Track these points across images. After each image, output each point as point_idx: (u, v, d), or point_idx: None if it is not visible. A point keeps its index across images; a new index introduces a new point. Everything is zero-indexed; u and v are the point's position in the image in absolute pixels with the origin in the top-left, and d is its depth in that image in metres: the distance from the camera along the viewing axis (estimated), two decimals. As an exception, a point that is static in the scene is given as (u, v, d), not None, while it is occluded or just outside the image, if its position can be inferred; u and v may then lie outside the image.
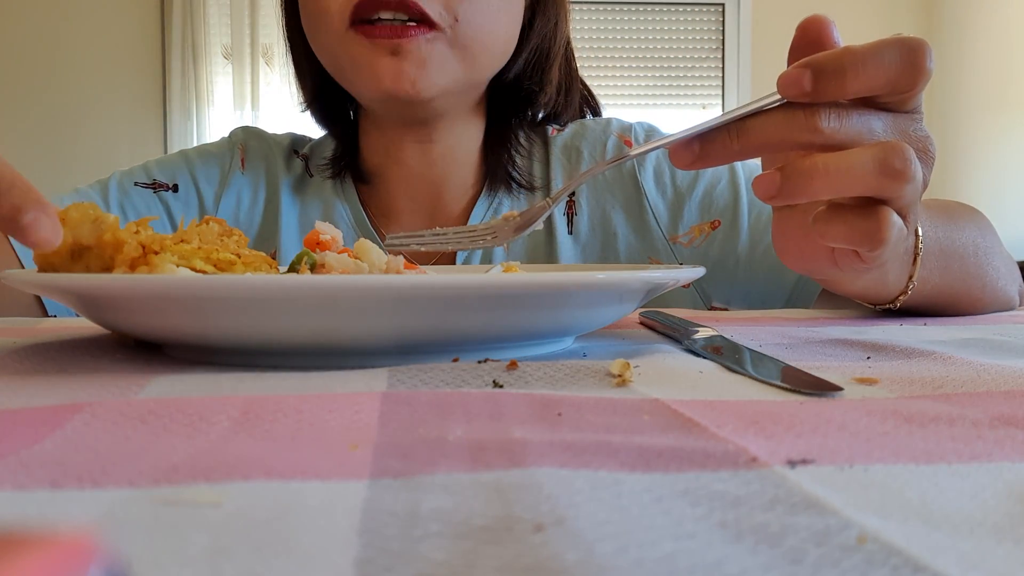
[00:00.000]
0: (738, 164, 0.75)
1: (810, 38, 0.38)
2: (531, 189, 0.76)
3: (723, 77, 3.61)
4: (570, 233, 0.75)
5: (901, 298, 0.51)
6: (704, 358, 0.36)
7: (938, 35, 3.58)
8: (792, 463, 0.19)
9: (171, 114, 3.36)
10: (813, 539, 0.15)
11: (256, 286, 0.31)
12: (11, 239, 0.65)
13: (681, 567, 0.13)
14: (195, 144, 3.02)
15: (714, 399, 0.27)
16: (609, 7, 3.56)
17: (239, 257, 0.38)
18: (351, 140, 0.79)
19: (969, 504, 0.17)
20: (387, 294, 0.31)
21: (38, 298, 0.68)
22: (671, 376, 0.31)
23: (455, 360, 0.34)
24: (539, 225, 0.44)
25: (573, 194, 0.76)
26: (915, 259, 0.49)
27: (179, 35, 3.34)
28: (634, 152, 0.40)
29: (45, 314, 0.68)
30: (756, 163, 0.57)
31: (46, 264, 0.37)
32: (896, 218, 0.37)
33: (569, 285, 0.34)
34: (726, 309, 0.74)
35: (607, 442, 0.21)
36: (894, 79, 0.36)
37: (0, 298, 0.64)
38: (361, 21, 0.64)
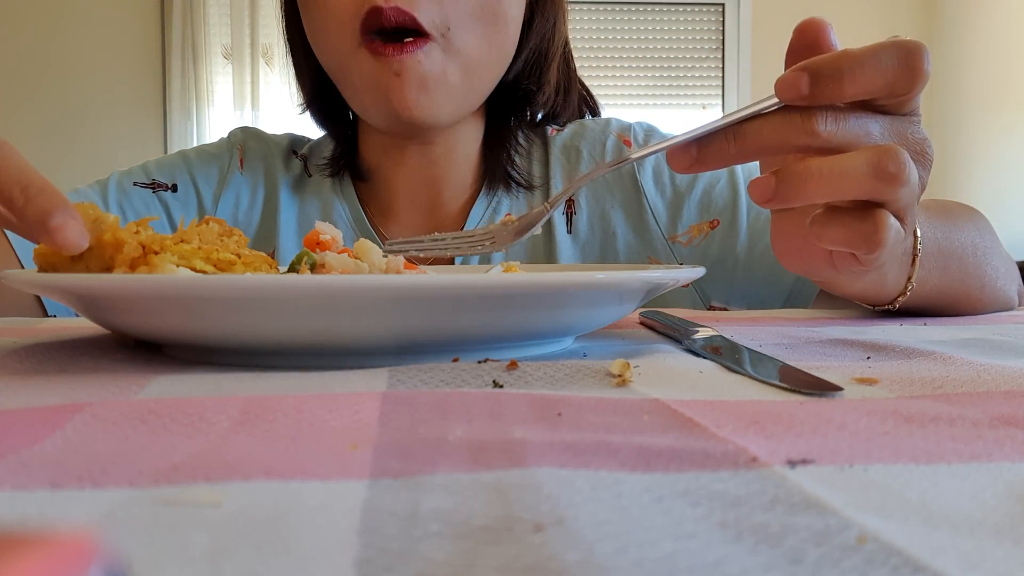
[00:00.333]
0: (738, 165, 0.74)
1: (807, 40, 0.38)
2: (530, 188, 0.76)
3: (723, 77, 3.61)
4: (569, 232, 0.75)
5: (900, 299, 0.51)
6: (704, 358, 0.36)
7: (938, 35, 3.58)
8: (792, 463, 0.19)
9: (171, 114, 3.36)
10: (813, 539, 0.15)
11: (256, 286, 0.31)
12: (10, 239, 0.65)
13: (681, 567, 0.13)
14: (195, 144, 3.01)
15: (714, 399, 0.27)
16: (609, 7, 3.56)
17: (239, 257, 0.38)
18: (350, 140, 0.79)
19: (969, 504, 0.17)
20: (387, 294, 0.31)
21: (38, 298, 0.68)
22: (671, 376, 0.31)
23: (455, 360, 0.34)
24: (537, 230, 0.44)
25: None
26: (914, 260, 0.49)
27: (179, 35, 3.34)
28: (635, 156, 0.39)
29: (45, 314, 0.68)
30: (755, 163, 0.57)
31: (46, 264, 0.37)
32: (893, 221, 0.37)
33: (569, 285, 0.34)
34: (725, 309, 0.74)
35: (607, 442, 0.21)
36: (891, 82, 0.36)
37: (0, 298, 0.64)
38: (367, 32, 0.64)
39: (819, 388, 0.28)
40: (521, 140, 0.78)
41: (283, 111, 3.35)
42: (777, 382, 0.30)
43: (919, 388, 0.29)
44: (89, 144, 3.30)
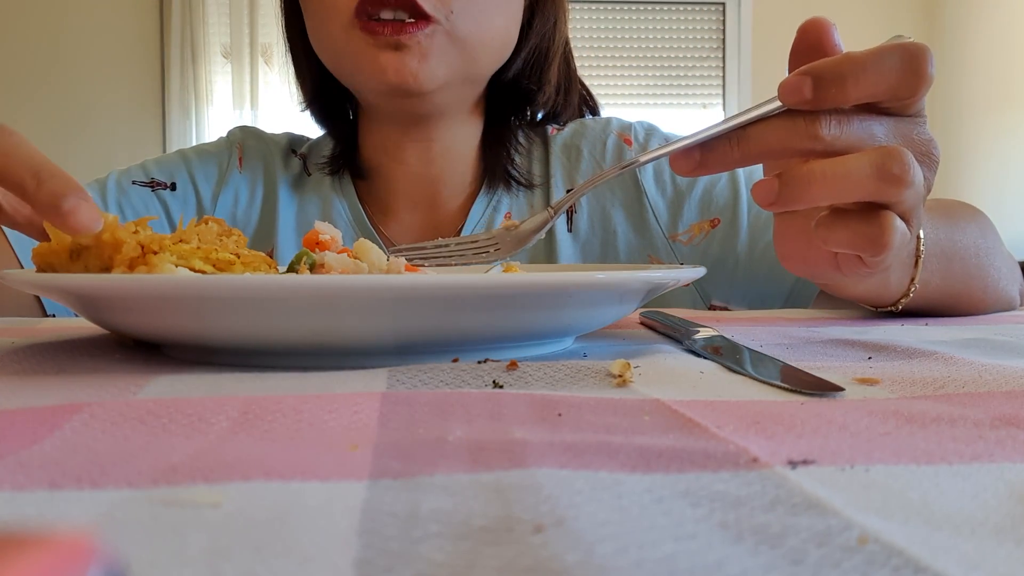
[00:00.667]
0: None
1: (810, 41, 0.38)
2: (530, 187, 0.76)
3: (723, 77, 3.61)
4: (570, 231, 0.75)
5: (903, 301, 0.51)
6: (705, 358, 0.36)
7: (939, 35, 3.58)
8: (793, 463, 0.19)
9: (170, 113, 3.36)
10: (814, 540, 0.15)
11: (255, 286, 0.31)
12: (9, 239, 0.65)
13: (681, 568, 0.13)
14: (194, 143, 3.01)
15: (715, 399, 0.27)
16: (609, 7, 3.56)
17: (238, 257, 0.38)
18: (350, 139, 0.79)
19: (970, 505, 0.17)
20: (387, 294, 0.31)
21: (37, 298, 0.68)
22: (672, 376, 0.31)
23: (455, 360, 0.34)
24: (541, 235, 0.44)
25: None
26: (917, 262, 0.49)
27: (178, 34, 3.34)
28: (642, 160, 0.39)
29: (44, 314, 0.68)
30: (756, 163, 0.57)
31: (45, 264, 0.37)
32: (899, 222, 0.37)
33: (569, 285, 0.34)
34: (726, 308, 0.74)
35: (607, 442, 0.21)
36: (895, 86, 0.36)
37: (-1, 298, 0.64)
38: (364, 13, 0.64)
39: (820, 388, 0.28)
40: (521, 139, 0.78)
41: (282, 110, 3.35)
42: (778, 382, 0.30)
43: (920, 388, 0.29)
44: (88, 143, 3.30)
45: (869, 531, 0.15)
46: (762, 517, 0.16)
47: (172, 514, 0.16)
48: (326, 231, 0.46)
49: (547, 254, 0.75)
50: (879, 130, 0.37)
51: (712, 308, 0.74)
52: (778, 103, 0.36)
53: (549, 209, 0.44)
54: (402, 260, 0.43)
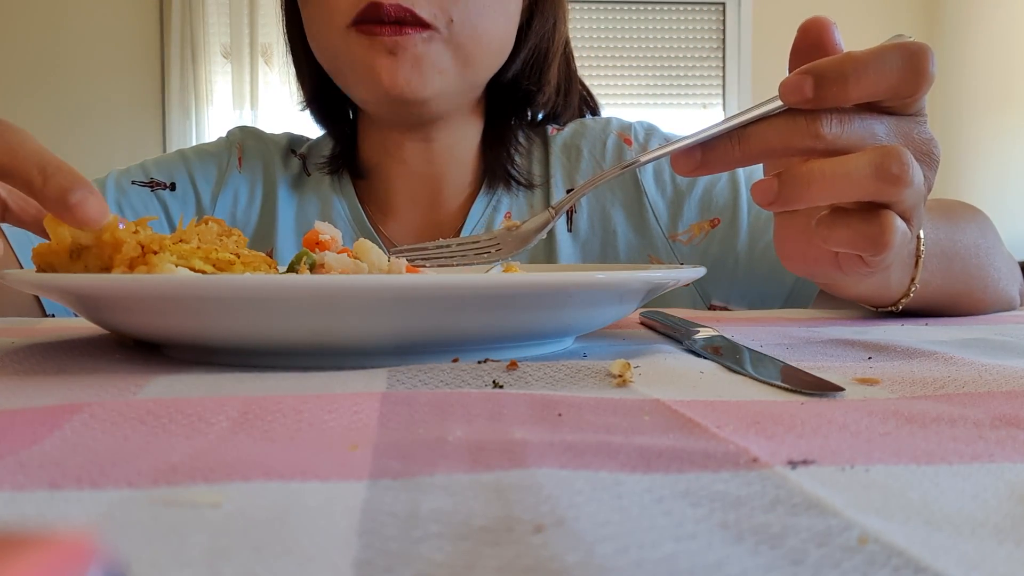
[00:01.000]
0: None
1: (811, 40, 0.38)
2: (530, 187, 0.76)
3: (723, 77, 3.61)
4: (569, 231, 0.75)
5: (903, 301, 0.51)
6: (705, 358, 0.36)
7: (939, 34, 3.58)
8: (793, 464, 0.19)
9: (170, 113, 3.36)
10: (814, 540, 0.15)
11: (255, 286, 0.31)
12: (8, 238, 0.65)
13: (682, 568, 0.13)
14: (194, 143, 3.00)
15: (715, 399, 0.27)
16: (609, 7, 3.56)
17: (238, 257, 0.38)
18: (350, 139, 0.79)
19: (970, 505, 0.17)
20: (387, 294, 0.31)
21: (37, 298, 0.68)
22: (672, 376, 0.31)
23: (455, 360, 0.34)
24: (543, 235, 0.44)
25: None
26: (917, 262, 0.49)
27: (178, 34, 3.34)
28: (643, 160, 0.39)
29: (44, 314, 0.68)
30: (756, 163, 0.57)
31: (45, 264, 0.37)
32: (899, 222, 0.37)
33: (569, 285, 0.34)
34: (726, 308, 0.74)
35: (607, 442, 0.21)
36: (896, 85, 0.36)
37: (-1, 298, 0.64)
38: (362, 22, 0.64)
39: (820, 388, 0.28)
40: (521, 139, 0.78)
41: (282, 110, 3.35)
42: (778, 382, 0.30)
43: (920, 388, 0.29)
44: (88, 143, 3.30)
45: (869, 531, 0.15)
46: (762, 517, 0.16)
47: (172, 514, 0.16)
48: (326, 231, 0.46)
49: (547, 254, 0.75)
50: (880, 129, 0.37)
51: (712, 308, 0.74)
52: (779, 102, 0.36)
53: (550, 209, 0.44)
54: (403, 261, 0.43)
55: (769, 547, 0.14)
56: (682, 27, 3.59)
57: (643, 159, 0.39)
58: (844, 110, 0.36)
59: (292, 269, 0.41)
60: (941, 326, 0.50)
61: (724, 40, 3.60)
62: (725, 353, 0.35)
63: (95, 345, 0.40)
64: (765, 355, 0.35)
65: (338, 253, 0.43)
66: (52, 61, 3.32)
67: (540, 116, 0.80)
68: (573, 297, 0.35)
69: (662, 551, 0.14)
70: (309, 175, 0.79)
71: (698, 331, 0.41)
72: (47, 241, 0.37)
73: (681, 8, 3.58)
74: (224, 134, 0.84)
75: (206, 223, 0.40)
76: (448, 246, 0.45)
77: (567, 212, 0.75)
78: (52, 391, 0.28)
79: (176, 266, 0.35)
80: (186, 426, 0.23)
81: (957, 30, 3.50)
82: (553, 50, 0.76)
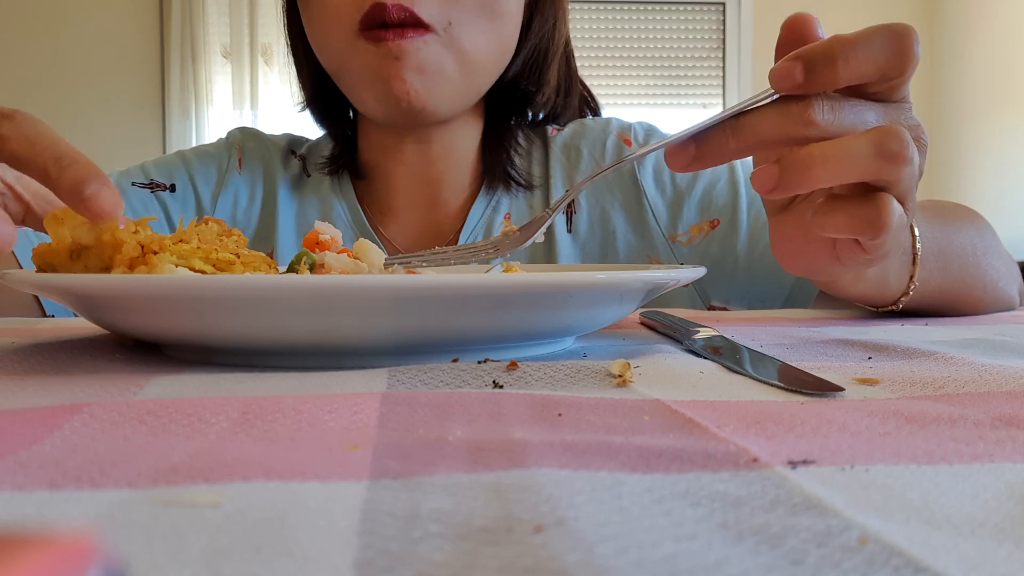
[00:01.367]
0: (737, 163, 0.75)
1: (795, 36, 0.38)
2: (530, 188, 0.76)
3: (723, 77, 3.61)
4: (569, 232, 0.75)
5: (903, 299, 0.51)
6: (705, 358, 0.36)
7: (939, 34, 3.58)
8: (793, 464, 0.19)
9: (170, 113, 3.36)
10: (814, 540, 0.15)
11: (256, 286, 0.31)
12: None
13: (682, 568, 0.13)
14: (194, 143, 2.99)
15: (715, 399, 0.27)
16: (609, 7, 3.56)
17: (238, 257, 0.38)
18: (350, 139, 0.79)
19: (970, 505, 0.17)
20: (387, 294, 0.31)
21: (36, 298, 0.68)
22: (672, 376, 0.31)
23: (455, 360, 0.34)
24: (539, 237, 0.44)
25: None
26: (914, 259, 0.49)
27: (178, 34, 3.34)
28: (636, 153, 0.39)
29: (43, 314, 0.68)
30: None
31: (45, 264, 0.37)
32: (896, 204, 0.37)
33: (569, 285, 0.34)
34: (725, 308, 0.74)
35: (607, 442, 0.21)
36: (883, 65, 0.36)
37: (-1, 298, 0.64)
38: (368, 27, 0.65)
39: (820, 388, 0.28)
40: (521, 140, 0.78)
41: (282, 111, 3.35)
42: (778, 382, 0.30)
43: (920, 388, 0.29)
44: (88, 144, 3.30)
45: (869, 531, 0.15)
46: (762, 517, 0.16)
47: (172, 514, 0.16)
48: (326, 231, 0.46)
49: (547, 254, 0.75)
50: (870, 115, 0.38)
51: (711, 309, 0.74)
52: (770, 92, 0.37)
53: (547, 211, 0.44)
54: (400, 271, 0.43)
55: (769, 547, 0.14)
56: (682, 27, 3.60)
57: (637, 153, 0.39)
58: (834, 97, 0.37)
59: (292, 269, 0.41)
60: (941, 326, 0.50)
61: (724, 40, 3.60)
62: (725, 353, 0.35)
63: (95, 345, 0.40)
64: (765, 355, 0.35)
65: (338, 253, 0.43)
66: (52, 61, 3.32)
67: (540, 116, 0.80)
68: (573, 297, 0.35)
69: (662, 551, 0.14)
70: (309, 176, 0.79)
71: (698, 331, 0.41)
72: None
73: (681, 8, 3.58)
74: (224, 135, 0.84)
75: (206, 223, 0.40)
76: (445, 252, 0.45)
77: (567, 213, 0.75)
78: (52, 391, 0.28)
79: (176, 266, 0.35)
80: (186, 426, 0.23)
81: (957, 30, 3.50)
82: (553, 50, 0.76)
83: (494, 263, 0.48)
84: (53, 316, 0.67)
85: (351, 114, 0.79)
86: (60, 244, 0.36)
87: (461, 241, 0.74)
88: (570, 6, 0.80)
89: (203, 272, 0.36)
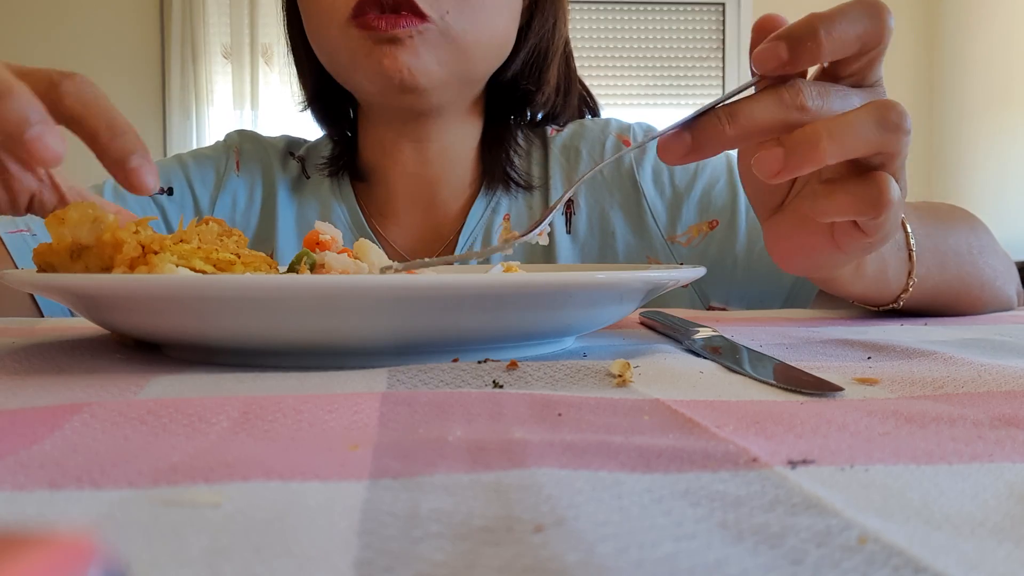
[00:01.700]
0: (736, 164, 0.75)
1: (767, 36, 0.38)
2: (529, 189, 0.76)
3: (723, 77, 3.61)
4: (568, 232, 0.75)
5: (903, 296, 0.51)
6: (704, 358, 0.36)
7: (939, 34, 3.58)
8: (793, 463, 0.19)
9: (170, 114, 3.36)
10: (814, 540, 0.15)
11: (256, 286, 0.31)
12: (4, 240, 0.65)
13: (682, 568, 0.13)
14: (194, 144, 2.99)
15: (714, 399, 0.27)
16: (609, 7, 3.56)
17: (238, 257, 0.38)
18: (350, 140, 0.79)
19: (970, 505, 0.17)
20: (386, 294, 0.31)
21: (33, 299, 0.67)
22: (671, 376, 0.31)
23: (455, 360, 0.34)
24: (533, 238, 0.44)
25: (570, 193, 0.76)
26: (910, 255, 0.50)
27: (178, 34, 3.34)
28: (634, 147, 0.39)
29: (40, 315, 0.68)
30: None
31: (45, 264, 0.37)
32: (894, 182, 0.37)
33: (569, 285, 0.34)
34: (724, 309, 0.74)
35: (607, 442, 0.21)
36: (862, 35, 0.37)
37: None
38: (360, 13, 0.65)
39: (820, 388, 0.28)
40: (520, 140, 0.78)
41: (283, 111, 3.35)
42: (778, 382, 0.30)
43: (920, 388, 0.29)
44: (88, 144, 3.30)
45: (869, 531, 0.15)
46: (762, 517, 0.16)
47: (172, 514, 0.16)
48: (326, 231, 0.46)
49: (546, 255, 0.75)
50: (855, 99, 0.38)
51: (711, 309, 0.74)
52: (752, 82, 0.37)
53: (545, 212, 0.44)
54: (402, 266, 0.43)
55: (769, 547, 0.14)
56: (682, 27, 3.59)
57: (633, 147, 0.39)
58: (821, 84, 0.38)
59: (292, 269, 0.41)
60: (940, 326, 0.50)
61: (724, 40, 3.60)
62: (724, 353, 0.35)
63: (95, 345, 0.40)
64: (764, 355, 0.35)
65: (338, 253, 0.43)
66: (52, 61, 3.31)
67: (539, 117, 0.80)
68: (573, 297, 0.35)
69: (662, 551, 0.14)
70: (308, 178, 0.79)
71: (698, 331, 0.41)
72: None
73: (681, 8, 3.58)
74: (222, 138, 0.84)
75: (206, 223, 0.40)
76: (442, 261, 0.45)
77: (566, 214, 0.75)
78: (52, 391, 0.28)
79: (176, 266, 0.35)
80: (186, 426, 0.23)
81: (957, 30, 3.50)
82: (553, 50, 0.76)
83: (494, 263, 0.48)
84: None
85: (351, 114, 0.79)
86: (60, 244, 0.36)
87: (461, 241, 0.74)
88: (570, 6, 0.80)
89: (204, 272, 0.36)
